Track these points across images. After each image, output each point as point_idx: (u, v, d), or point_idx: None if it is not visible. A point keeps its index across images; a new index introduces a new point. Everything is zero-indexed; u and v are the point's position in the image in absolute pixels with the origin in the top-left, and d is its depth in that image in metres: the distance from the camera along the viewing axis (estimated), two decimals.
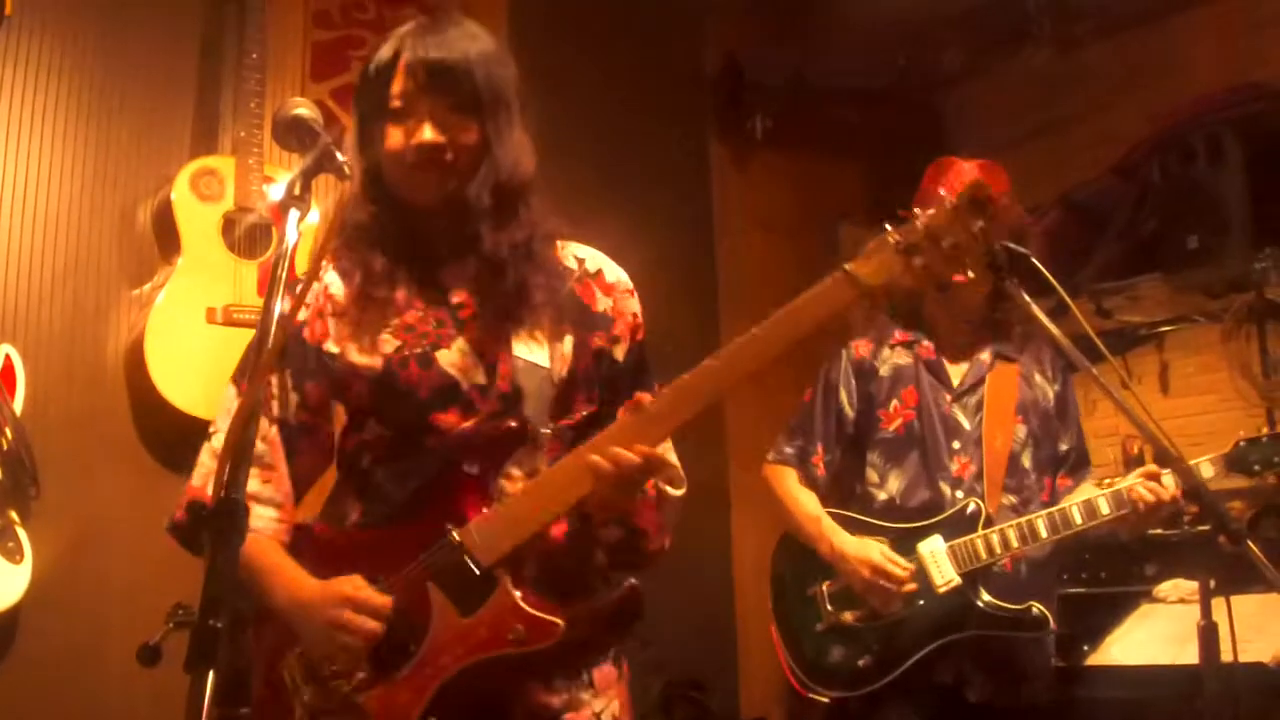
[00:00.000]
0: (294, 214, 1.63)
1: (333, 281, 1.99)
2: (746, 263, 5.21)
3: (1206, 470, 2.96)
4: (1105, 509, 2.94)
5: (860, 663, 3.00)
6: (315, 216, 3.44)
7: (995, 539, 2.98)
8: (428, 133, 1.89)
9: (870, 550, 3.00)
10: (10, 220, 3.46)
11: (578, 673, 1.93)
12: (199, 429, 3.36)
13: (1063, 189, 5.10)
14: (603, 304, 2.05)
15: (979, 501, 3.03)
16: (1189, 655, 2.97)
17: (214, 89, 3.85)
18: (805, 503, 3.20)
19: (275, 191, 3.60)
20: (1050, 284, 2.40)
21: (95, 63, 3.66)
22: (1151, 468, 2.93)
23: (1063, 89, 5.46)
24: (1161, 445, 2.45)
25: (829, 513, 3.16)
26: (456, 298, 1.97)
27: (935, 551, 3.01)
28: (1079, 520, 2.96)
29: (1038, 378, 3.23)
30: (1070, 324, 2.50)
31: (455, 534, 1.83)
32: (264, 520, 1.91)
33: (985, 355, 3.18)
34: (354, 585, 1.81)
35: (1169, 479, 2.87)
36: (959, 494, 3.06)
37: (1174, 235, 4.55)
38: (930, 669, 2.97)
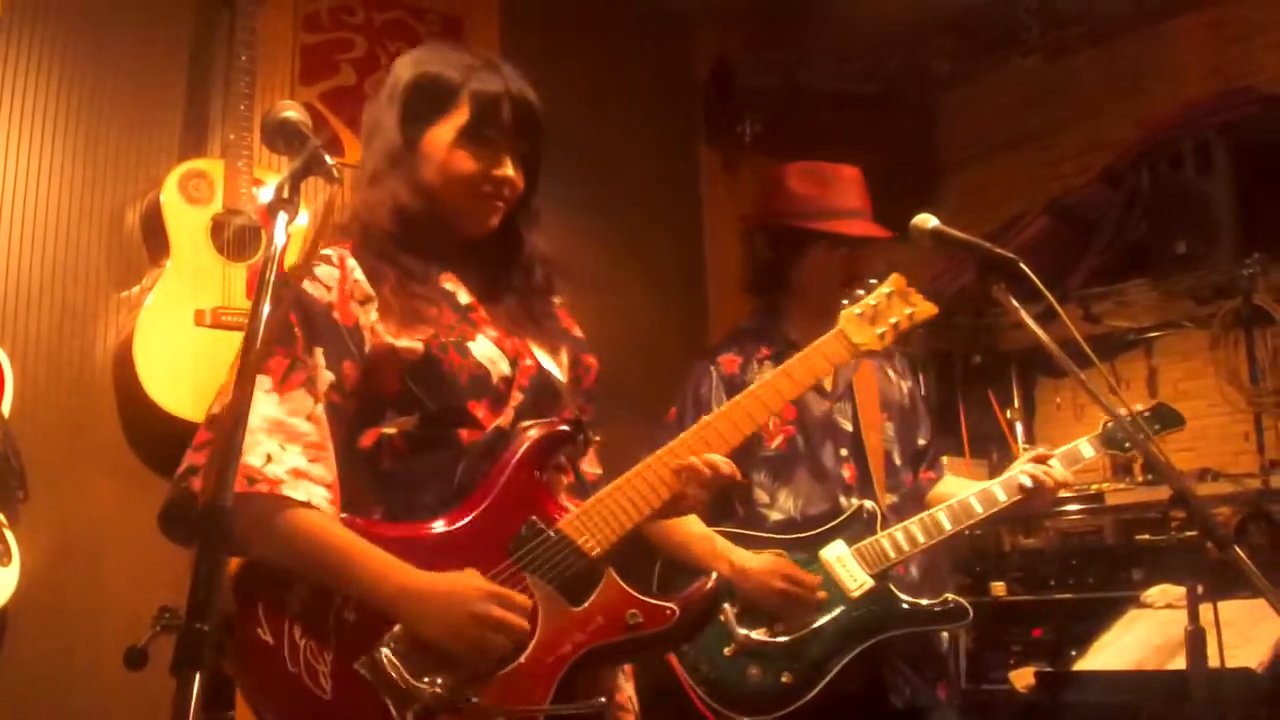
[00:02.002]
0: (282, 217, 1.62)
1: (355, 269, 1.97)
2: (736, 267, 5.21)
3: (1087, 450, 3.10)
4: (1002, 496, 2.97)
5: (784, 679, 2.87)
6: (304, 219, 3.46)
7: (900, 536, 2.95)
8: (510, 170, 2.03)
9: (777, 562, 2.91)
10: None
11: None
12: (187, 431, 3.38)
13: (1051, 194, 5.12)
14: (578, 331, 2.22)
15: (873, 503, 3.01)
16: (1176, 660, 2.98)
17: (203, 92, 3.85)
18: (689, 523, 2.97)
19: (264, 194, 3.59)
20: (1038, 289, 2.41)
21: (85, 65, 3.65)
22: (1040, 451, 3.01)
23: (1052, 95, 5.48)
24: (1148, 450, 2.46)
25: (719, 532, 3.02)
26: (464, 300, 2.05)
27: (841, 557, 2.94)
28: (979, 509, 2.96)
29: (891, 374, 3.26)
30: (1058, 329, 2.50)
31: (558, 527, 1.92)
32: (320, 500, 1.81)
33: None
34: (484, 579, 1.84)
35: (1056, 463, 2.96)
36: (852, 500, 3.03)
37: (1162, 241, 4.56)
38: (848, 678, 2.88)
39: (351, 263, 1.97)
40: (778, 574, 2.89)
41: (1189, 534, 3.72)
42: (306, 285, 1.92)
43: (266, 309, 1.53)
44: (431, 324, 1.96)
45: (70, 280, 3.55)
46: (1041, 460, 2.97)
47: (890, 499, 3.08)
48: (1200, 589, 2.62)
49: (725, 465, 2.03)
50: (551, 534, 1.92)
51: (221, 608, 1.36)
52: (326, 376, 1.88)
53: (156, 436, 3.50)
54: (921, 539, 2.94)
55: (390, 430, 1.94)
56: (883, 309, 2.30)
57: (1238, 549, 2.19)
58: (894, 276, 2.34)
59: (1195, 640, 2.59)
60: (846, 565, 2.94)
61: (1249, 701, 3.09)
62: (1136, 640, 3.56)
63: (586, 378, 2.18)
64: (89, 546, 3.44)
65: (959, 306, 4.92)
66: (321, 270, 1.94)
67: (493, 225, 2.06)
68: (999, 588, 4.39)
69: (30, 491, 3.19)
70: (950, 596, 2.98)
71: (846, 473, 3.06)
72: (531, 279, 2.13)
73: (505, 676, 1.82)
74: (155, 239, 3.58)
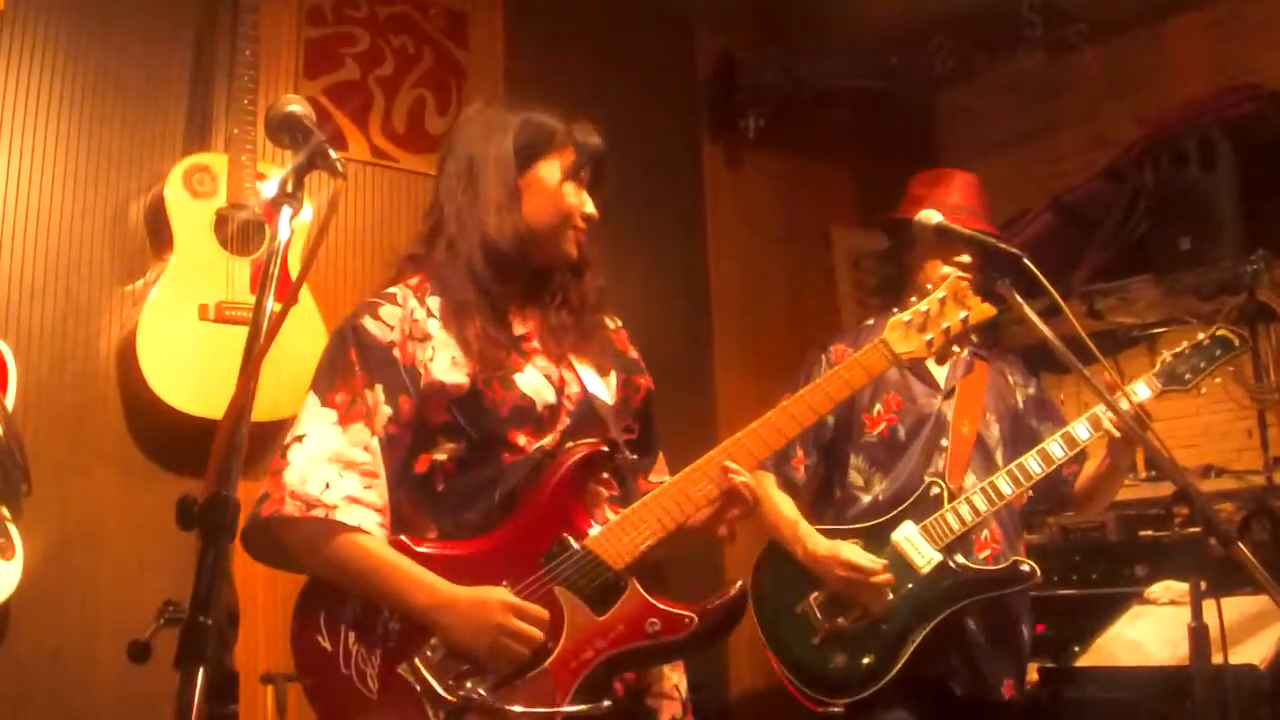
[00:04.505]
0: (286, 211, 1.63)
1: (417, 308, 2.16)
2: (738, 262, 5.21)
3: (1143, 390, 3.10)
4: (1059, 452, 3.05)
5: (865, 660, 3.01)
6: (308, 213, 3.46)
7: (963, 509, 3.04)
8: (592, 208, 2.27)
9: (841, 549, 3.03)
10: (2, 216, 3.45)
11: None
12: (190, 426, 3.40)
13: (1054, 192, 5.12)
14: (633, 353, 2.37)
15: (940, 482, 3.09)
16: (1179, 657, 2.98)
17: (207, 85, 3.85)
18: (782, 506, 3.21)
19: (268, 188, 3.59)
20: (1042, 285, 2.41)
21: (88, 59, 3.65)
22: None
23: (1054, 92, 5.48)
24: (1151, 445, 2.47)
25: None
26: (520, 329, 2.20)
27: (909, 537, 3.05)
28: (1037, 469, 3.06)
29: (1009, 379, 3.35)
30: (1062, 325, 2.50)
31: (584, 543, 2.06)
32: (371, 524, 2.03)
33: (964, 354, 3.26)
34: (508, 593, 2.01)
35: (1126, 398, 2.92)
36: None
37: (1166, 237, 4.55)
38: (922, 661, 2.99)
39: (413, 303, 2.17)
40: (838, 561, 3.01)
41: (1192, 530, 3.71)
42: (369, 323, 2.13)
43: (270, 303, 1.53)
44: (479, 360, 2.12)
45: (74, 274, 3.55)
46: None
47: (982, 482, 3.11)
48: (1204, 585, 2.62)
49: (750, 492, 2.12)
50: (578, 549, 2.05)
51: (225, 601, 1.36)
52: (385, 411, 2.09)
53: (159, 430, 3.50)
54: (984, 507, 3.04)
55: (440, 456, 2.13)
56: (934, 315, 2.28)
57: (1241, 546, 2.19)
58: (951, 279, 2.32)
59: (1198, 637, 2.59)
60: (915, 545, 3.05)
61: (1252, 698, 3.09)
62: (1139, 637, 3.56)
63: (635, 398, 2.30)
64: (92, 540, 3.45)
65: None
66: (385, 310, 2.15)
67: (573, 256, 2.26)
68: None
69: (33, 485, 3.19)
70: (1017, 559, 3.07)
71: (942, 461, 3.15)
72: (586, 296, 2.29)
73: (530, 681, 1.99)
74: (159, 233, 3.57)
